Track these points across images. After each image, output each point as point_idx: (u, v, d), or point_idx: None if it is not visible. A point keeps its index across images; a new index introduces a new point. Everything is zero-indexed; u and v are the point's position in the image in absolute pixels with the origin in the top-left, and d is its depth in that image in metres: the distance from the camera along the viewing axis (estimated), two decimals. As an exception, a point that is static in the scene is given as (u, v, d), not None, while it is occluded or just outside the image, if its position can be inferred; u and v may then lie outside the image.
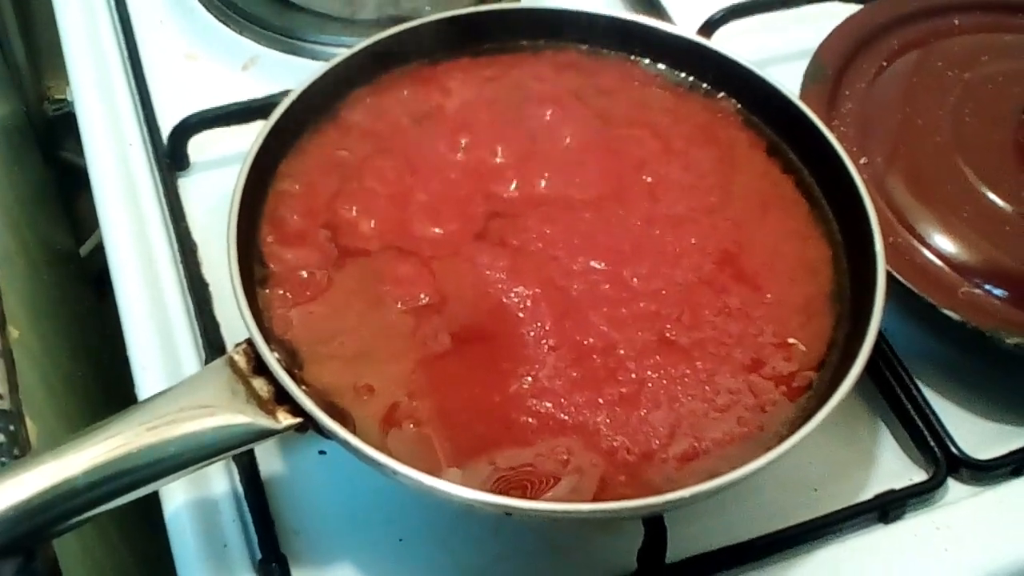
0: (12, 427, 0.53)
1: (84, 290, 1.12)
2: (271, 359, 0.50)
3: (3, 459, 0.52)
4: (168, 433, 0.48)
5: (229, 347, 0.59)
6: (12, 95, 1.08)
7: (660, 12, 0.83)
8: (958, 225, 0.66)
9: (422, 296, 0.56)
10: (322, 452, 0.60)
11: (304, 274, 0.57)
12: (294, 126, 0.62)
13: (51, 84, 1.23)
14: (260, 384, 0.51)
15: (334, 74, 0.64)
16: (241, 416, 0.49)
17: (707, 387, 0.54)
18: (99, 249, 1.26)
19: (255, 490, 0.57)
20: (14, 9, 1.11)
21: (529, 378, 0.54)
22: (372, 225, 0.59)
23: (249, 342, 0.52)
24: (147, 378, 0.62)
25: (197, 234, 0.68)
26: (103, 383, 0.94)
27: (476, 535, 0.58)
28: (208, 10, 0.81)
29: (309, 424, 0.50)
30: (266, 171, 0.60)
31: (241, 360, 0.51)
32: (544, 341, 0.55)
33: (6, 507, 0.45)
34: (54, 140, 1.24)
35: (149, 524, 0.92)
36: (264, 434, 0.49)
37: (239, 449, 0.49)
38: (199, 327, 0.64)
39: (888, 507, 0.59)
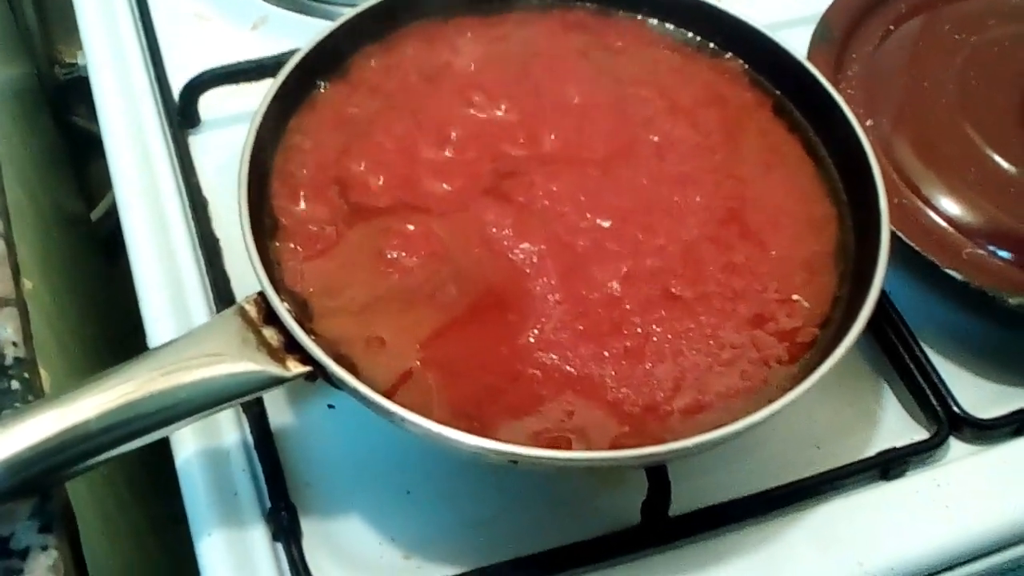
0: (27, 374, 0.53)
1: (95, 254, 1.13)
2: (281, 308, 0.51)
3: (17, 404, 0.53)
4: (179, 379, 0.48)
5: (239, 300, 0.60)
6: (24, 58, 1.09)
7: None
8: (963, 187, 0.66)
9: (430, 251, 0.57)
10: (331, 406, 0.61)
11: (314, 228, 0.58)
12: (304, 83, 0.63)
13: (62, 48, 1.24)
14: (270, 333, 0.51)
15: (343, 31, 0.64)
16: (251, 363, 0.50)
17: (711, 341, 0.55)
18: (110, 214, 1.28)
19: (265, 441, 0.58)
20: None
21: (536, 331, 0.54)
22: (381, 181, 0.60)
23: (260, 293, 0.53)
24: (158, 329, 0.63)
25: (208, 190, 0.68)
26: (112, 345, 0.95)
27: (482, 488, 0.59)
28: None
29: (318, 373, 0.51)
30: (276, 127, 0.61)
31: (252, 310, 0.52)
32: (550, 295, 0.56)
33: (22, 448, 0.46)
34: (65, 105, 1.24)
35: (160, 485, 0.93)
36: (274, 381, 0.50)
37: (249, 396, 0.50)
38: (210, 281, 0.64)
39: (890, 464, 0.59)
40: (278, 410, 0.60)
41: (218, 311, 0.63)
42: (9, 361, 0.54)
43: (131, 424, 0.48)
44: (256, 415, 0.58)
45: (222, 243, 0.66)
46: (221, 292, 0.64)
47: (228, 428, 0.59)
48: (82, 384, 0.48)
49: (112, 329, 0.99)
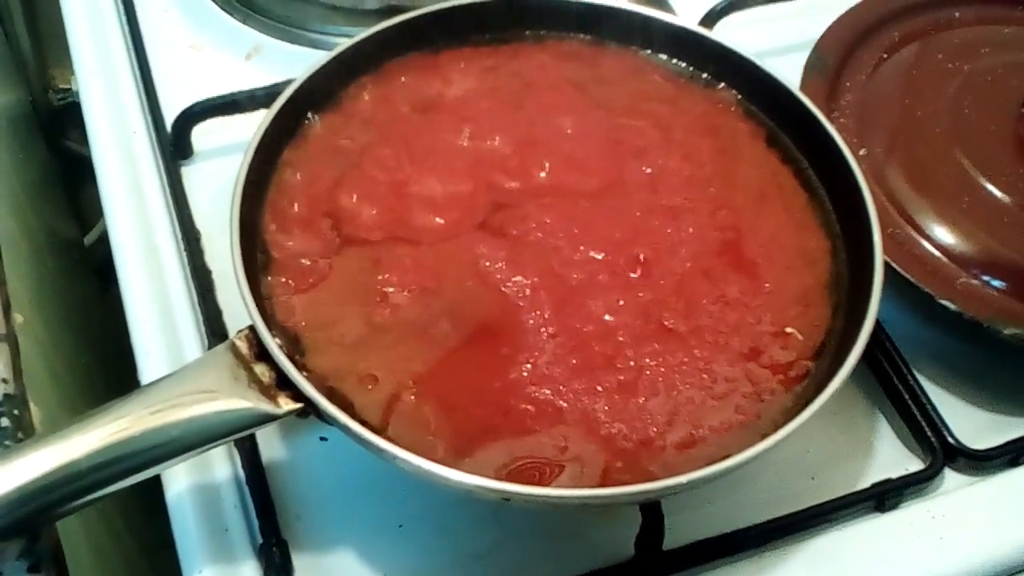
0: (16, 411, 0.53)
1: (87, 280, 1.13)
2: (272, 344, 0.51)
3: (7, 443, 0.52)
4: (171, 417, 0.48)
5: (231, 333, 0.59)
6: (18, 84, 1.09)
7: (662, 2, 0.83)
8: (957, 216, 0.66)
9: (423, 285, 0.57)
10: (323, 438, 0.61)
11: (306, 262, 0.58)
12: (297, 114, 0.63)
13: (55, 74, 1.24)
14: (262, 370, 0.51)
15: (337, 63, 0.64)
16: (243, 401, 0.49)
17: (705, 375, 0.55)
18: (103, 240, 1.27)
19: (256, 475, 0.57)
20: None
21: (528, 365, 0.54)
22: (373, 214, 0.60)
23: (251, 328, 0.52)
24: (150, 363, 0.62)
25: (200, 222, 0.68)
26: (106, 373, 0.95)
27: (475, 522, 0.58)
28: (214, 0, 0.81)
29: (310, 409, 0.50)
30: (269, 159, 0.61)
31: (243, 346, 0.52)
32: (543, 329, 0.56)
33: (11, 488, 0.45)
34: (59, 130, 1.24)
35: (152, 513, 0.93)
36: (265, 419, 0.50)
37: (241, 434, 0.50)
38: (202, 314, 0.64)
39: (885, 496, 0.59)
40: (270, 443, 0.60)
41: (210, 345, 0.62)
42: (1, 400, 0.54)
43: (123, 462, 0.48)
44: (248, 449, 0.58)
45: (215, 275, 0.66)
46: (213, 326, 0.63)
47: (219, 463, 0.59)
48: (72, 422, 0.47)
49: (107, 355, 0.98)
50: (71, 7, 0.81)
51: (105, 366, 0.96)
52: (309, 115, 0.64)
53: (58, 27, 0.99)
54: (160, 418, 0.48)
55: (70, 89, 1.23)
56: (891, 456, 0.62)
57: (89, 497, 0.47)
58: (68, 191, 1.22)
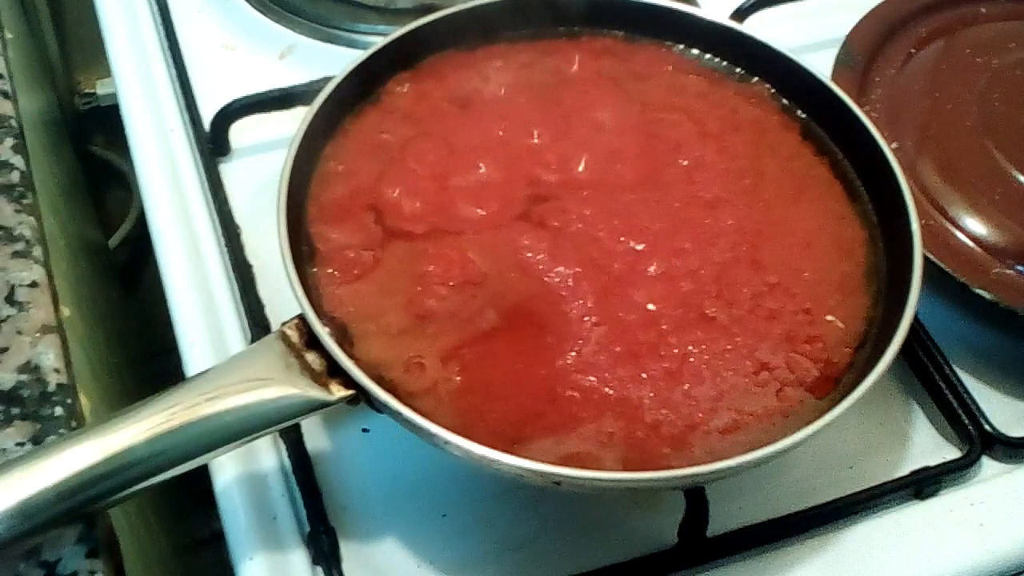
0: (69, 400, 0.54)
1: (112, 282, 1.14)
2: (322, 332, 0.51)
3: (62, 430, 0.53)
4: (226, 404, 0.49)
5: (273, 326, 0.60)
6: (47, 88, 1.10)
7: (690, -1, 0.84)
8: (989, 207, 0.67)
9: (466, 275, 0.58)
10: (365, 429, 0.61)
11: (351, 254, 0.59)
12: (337, 110, 0.63)
13: (81, 78, 1.25)
14: (312, 358, 0.52)
15: (376, 59, 0.65)
16: (296, 388, 0.50)
17: (747, 362, 0.55)
18: (126, 242, 1.28)
19: (303, 465, 0.58)
20: (48, 3, 1.13)
21: (573, 353, 0.55)
22: (416, 206, 0.60)
23: (301, 317, 0.53)
24: (195, 355, 0.63)
25: (239, 217, 0.69)
26: (135, 373, 0.95)
27: (517, 511, 0.59)
28: (247, 0, 0.82)
29: (361, 397, 0.51)
30: (310, 155, 0.61)
31: (293, 334, 0.53)
32: (587, 318, 0.56)
33: (70, 474, 0.46)
34: (84, 134, 1.25)
35: (182, 510, 0.94)
36: (318, 405, 0.50)
37: (294, 420, 0.51)
38: (244, 306, 0.65)
39: (923, 484, 0.60)
40: (313, 435, 0.60)
41: (253, 337, 0.63)
42: (52, 388, 0.55)
43: (177, 450, 0.48)
44: (293, 440, 0.59)
45: (256, 269, 0.67)
46: (256, 318, 0.64)
47: (266, 453, 0.60)
48: (128, 410, 0.48)
49: (133, 355, 0.99)
50: (107, 9, 0.82)
51: (132, 367, 0.96)
52: (348, 110, 0.64)
53: (84, 32, 1.00)
54: (216, 405, 0.49)
55: (94, 94, 1.24)
56: (928, 445, 0.62)
57: (144, 484, 0.48)
58: (92, 195, 1.23)
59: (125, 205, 1.34)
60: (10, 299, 0.57)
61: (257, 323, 0.64)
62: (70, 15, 1.15)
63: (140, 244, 1.28)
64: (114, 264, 1.21)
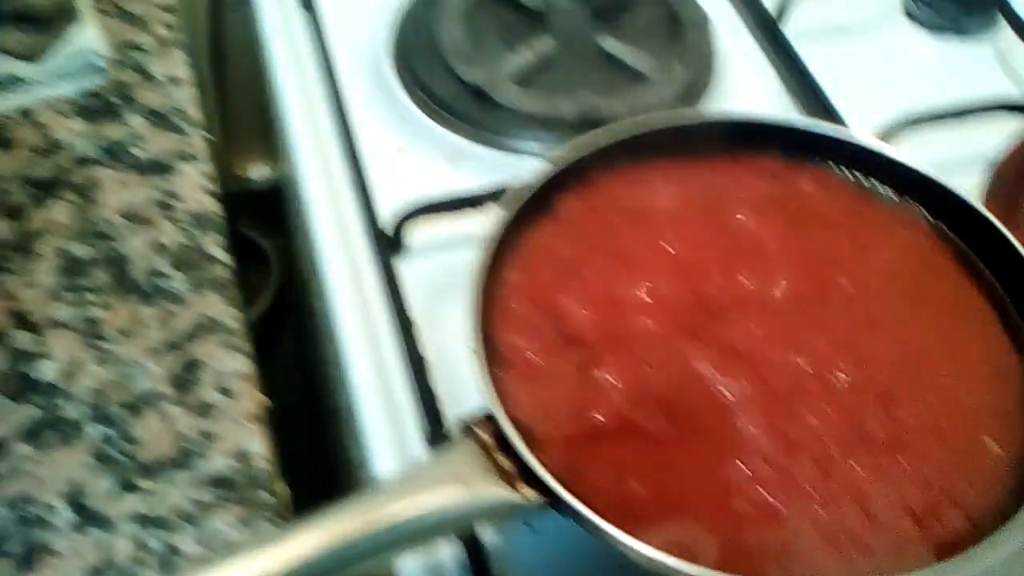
0: (276, 488, 0.58)
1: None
2: (515, 436, 0.55)
3: (268, 514, 0.57)
4: (428, 501, 0.53)
5: (447, 418, 0.64)
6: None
7: (834, 117, 0.88)
8: None
9: (640, 385, 0.61)
10: (528, 524, 0.65)
11: (529, 357, 0.62)
12: (517, 217, 0.68)
13: (234, 161, 1.33)
14: (503, 460, 0.56)
15: (551, 173, 0.69)
16: (493, 490, 0.54)
17: (910, 482, 0.58)
18: (263, 318, 1.35)
19: (478, 557, 0.62)
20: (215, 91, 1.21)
21: (741, 464, 0.58)
22: (590, 315, 0.64)
23: (489, 418, 0.57)
24: (374, 445, 0.68)
25: (414, 312, 0.74)
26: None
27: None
28: (419, 107, 0.88)
29: (552, 504, 0.55)
30: (492, 261, 0.66)
31: (484, 436, 0.56)
32: (754, 431, 0.59)
33: (298, 558, 0.50)
34: (232, 214, 1.33)
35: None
36: (515, 509, 0.54)
37: (492, 521, 0.55)
38: (419, 399, 0.69)
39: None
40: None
41: (431, 430, 0.67)
42: (259, 473, 0.59)
43: (375, 548, 0.52)
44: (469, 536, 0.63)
45: (429, 363, 0.71)
46: (429, 411, 0.68)
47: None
48: (342, 502, 0.52)
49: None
50: (292, 116, 0.88)
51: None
52: (525, 218, 0.69)
53: (243, 120, 1.07)
54: (417, 502, 0.53)
55: (248, 178, 1.31)
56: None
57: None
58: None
59: (261, 281, 1.42)
60: (221, 388, 0.62)
61: (432, 416, 0.68)
62: (233, 103, 1.23)
63: (275, 320, 1.35)
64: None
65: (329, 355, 0.81)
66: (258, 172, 1.37)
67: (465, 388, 0.57)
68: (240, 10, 1.08)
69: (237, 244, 1.33)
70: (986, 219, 0.68)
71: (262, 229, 1.37)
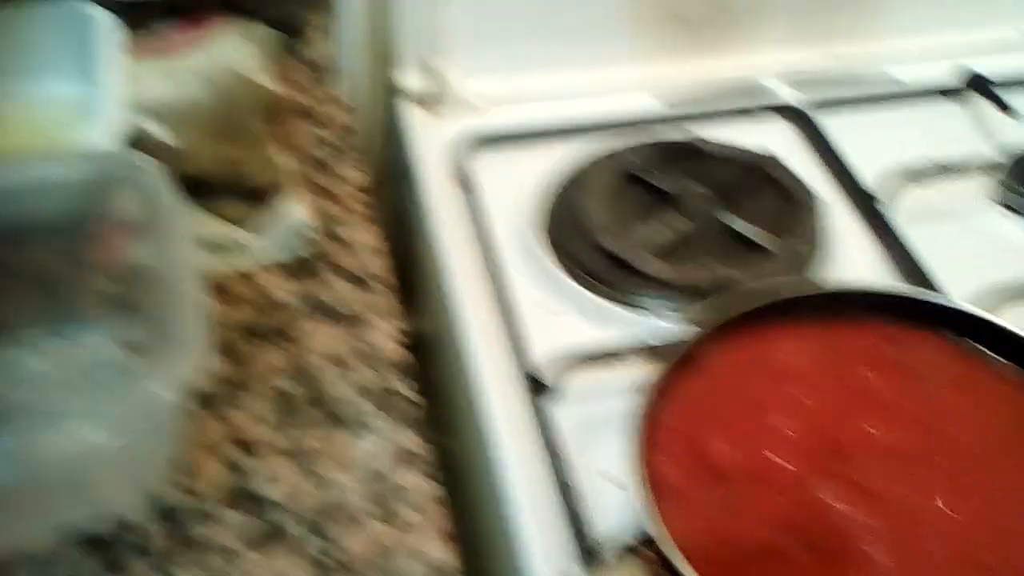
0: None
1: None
2: (677, 556, 0.65)
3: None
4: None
5: (598, 541, 0.74)
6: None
7: (931, 284, 0.99)
8: None
9: (782, 518, 0.71)
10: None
11: (682, 489, 0.72)
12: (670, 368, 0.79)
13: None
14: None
15: (704, 329, 0.80)
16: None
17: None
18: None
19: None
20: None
21: (875, 588, 0.67)
22: (735, 456, 0.74)
23: (649, 542, 0.67)
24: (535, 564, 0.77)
25: (564, 448, 0.84)
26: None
27: None
28: (568, 275, 1.00)
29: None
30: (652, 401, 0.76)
31: (648, 554, 0.66)
32: (881, 559, 0.68)
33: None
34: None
35: None
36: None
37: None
38: (569, 524, 0.79)
39: None
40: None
41: (581, 552, 0.77)
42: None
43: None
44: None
45: (576, 491, 0.81)
46: (578, 534, 0.78)
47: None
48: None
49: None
50: (453, 271, 1.01)
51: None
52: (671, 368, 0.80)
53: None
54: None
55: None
56: None
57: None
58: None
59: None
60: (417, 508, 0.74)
61: (579, 537, 0.77)
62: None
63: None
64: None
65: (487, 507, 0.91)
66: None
67: (613, 515, 0.66)
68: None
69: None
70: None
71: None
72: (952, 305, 0.84)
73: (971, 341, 0.83)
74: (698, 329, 0.80)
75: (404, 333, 0.89)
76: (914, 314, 0.85)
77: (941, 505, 0.71)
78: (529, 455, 0.85)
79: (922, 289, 0.92)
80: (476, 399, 0.91)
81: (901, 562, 0.68)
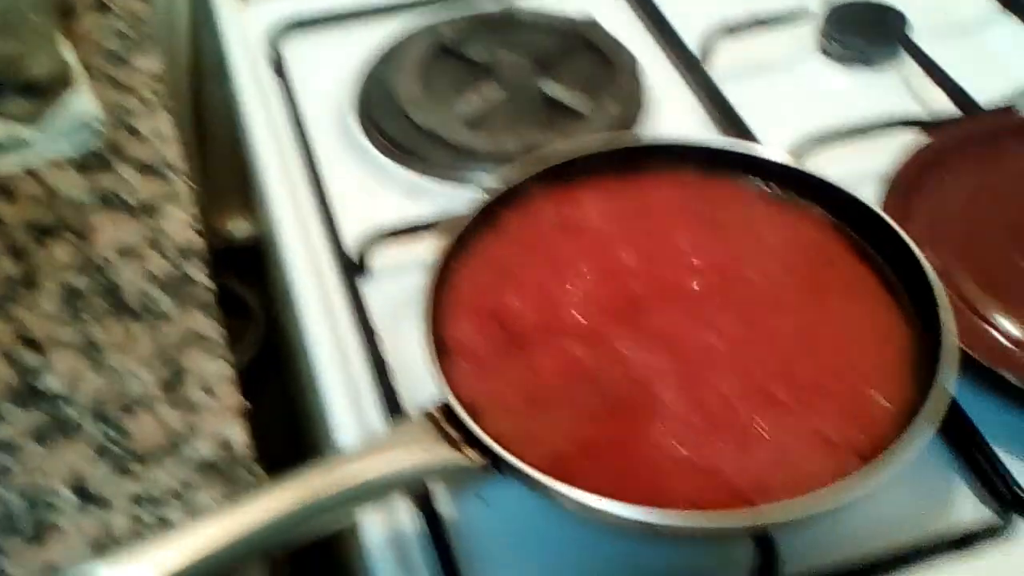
0: (256, 471, 0.67)
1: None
2: (461, 411, 0.64)
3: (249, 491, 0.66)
4: (387, 462, 0.62)
5: (406, 410, 0.73)
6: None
7: (753, 139, 0.98)
8: (1018, 310, 0.79)
9: (574, 368, 0.70)
10: (480, 497, 0.73)
11: (477, 351, 0.71)
12: (463, 235, 0.77)
13: (215, 218, 1.42)
14: (450, 429, 0.64)
15: (492, 197, 0.79)
16: (441, 452, 0.63)
17: (809, 434, 0.66)
18: (248, 368, 1.44)
19: (435, 525, 0.70)
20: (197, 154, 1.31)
21: (663, 428, 0.67)
22: (529, 313, 0.73)
23: (444, 406, 0.66)
24: (343, 434, 0.76)
25: (377, 324, 0.83)
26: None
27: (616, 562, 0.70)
28: (377, 149, 0.98)
29: (494, 465, 0.63)
30: (442, 269, 0.75)
31: (437, 416, 0.65)
32: (674, 400, 0.68)
33: (274, 510, 0.58)
34: (216, 269, 1.42)
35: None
36: (460, 469, 0.63)
37: (443, 477, 0.63)
38: (381, 395, 0.78)
39: (963, 542, 0.70)
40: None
41: (392, 419, 0.76)
42: (243, 459, 0.68)
43: (346, 500, 0.61)
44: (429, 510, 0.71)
45: (390, 365, 0.80)
46: (391, 404, 0.77)
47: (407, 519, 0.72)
48: (306, 468, 0.60)
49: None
50: (267, 169, 0.98)
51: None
52: (472, 233, 0.78)
53: (221, 177, 1.16)
54: (378, 463, 0.61)
55: (229, 234, 1.41)
56: (968, 508, 0.73)
57: (323, 530, 0.61)
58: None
59: (246, 333, 1.52)
60: (206, 389, 0.71)
61: (392, 408, 0.77)
62: (214, 165, 1.33)
63: (260, 371, 1.43)
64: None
65: (308, 391, 0.90)
66: (240, 229, 1.46)
67: (424, 388, 0.65)
68: (217, 80, 1.18)
69: (222, 298, 1.43)
70: (880, 217, 0.78)
71: (245, 283, 1.47)
72: (753, 153, 0.84)
73: (781, 189, 0.83)
74: (493, 190, 0.78)
75: (196, 219, 0.86)
76: (721, 165, 0.84)
77: (726, 341, 0.71)
78: (343, 333, 0.84)
79: (727, 138, 0.91)
80: (292, 283, 0.89)
81: (689, 398, 0.68)
